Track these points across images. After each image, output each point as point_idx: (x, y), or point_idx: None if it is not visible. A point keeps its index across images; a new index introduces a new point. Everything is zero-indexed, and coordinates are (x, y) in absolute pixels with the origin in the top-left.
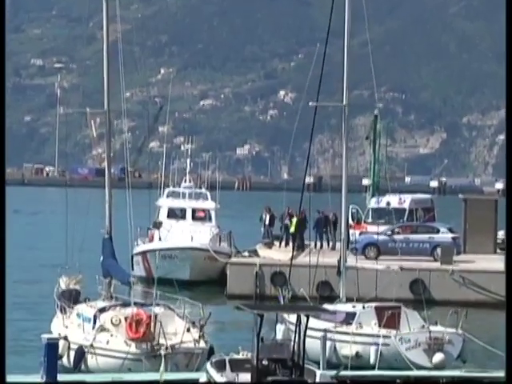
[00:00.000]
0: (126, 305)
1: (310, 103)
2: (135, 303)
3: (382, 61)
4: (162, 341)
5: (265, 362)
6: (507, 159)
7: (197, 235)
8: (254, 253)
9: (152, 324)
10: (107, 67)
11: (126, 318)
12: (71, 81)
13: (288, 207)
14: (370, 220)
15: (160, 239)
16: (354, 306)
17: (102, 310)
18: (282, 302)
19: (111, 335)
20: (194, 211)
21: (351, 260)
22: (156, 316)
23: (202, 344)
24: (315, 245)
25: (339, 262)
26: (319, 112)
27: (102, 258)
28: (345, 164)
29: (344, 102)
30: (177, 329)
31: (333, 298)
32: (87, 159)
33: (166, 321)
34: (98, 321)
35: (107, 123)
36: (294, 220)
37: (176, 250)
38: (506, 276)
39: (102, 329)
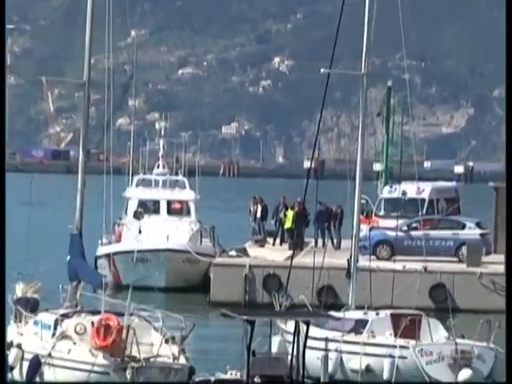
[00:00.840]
0: (94, 312)
1: (322, 70)
2: (106, 312)
3: (396, 21)
4: (134, 352)
5: (257, 380)
6: (507, 158)
7: (173, 233)
8: (243, 252)
9: (124, 332)
10: (90, 28)
11: (92, 323)
12: (23, 44)
13: (283, 197)
14: (381, 213)
15: (140, 232)
16: (365, 313)
17: (65, 316)
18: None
19: (74, 343)
20: (169, 203)
21: (362, 260)
22: (129, 326)
23: (183, 360)
24: (316, 243)
25: (349, 261)
26: (321, 84)
27: (68, 257)
28: (360, 145)
29: (363, 70)
30: (153, 342)
31: (338, 307)
32: (42, 139)
33: (140, 333)
34: (59, 327)
35: (85, 98)
36: (291, 213)
37: (148, 252)
38: (506, 276)
39: (64, 336)
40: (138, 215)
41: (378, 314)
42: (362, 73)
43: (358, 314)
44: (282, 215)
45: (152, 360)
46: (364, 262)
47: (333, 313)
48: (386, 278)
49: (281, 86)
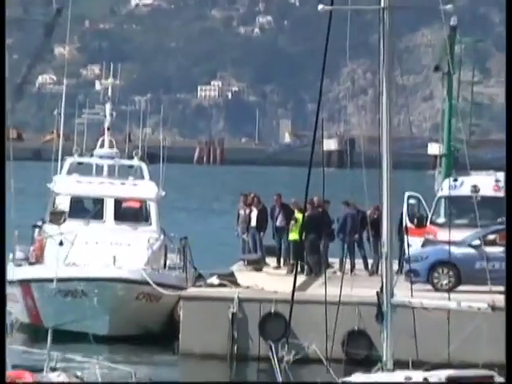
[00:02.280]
0: None
1: (320, 6)
2: (16, 366)
3: None
4: None
5: None
6: (507, 156)
7: (123, 252)
8: (230, 279)
9: None
10: None
11: None
12: None
13: (278, 195)
14: (440, 220)
15: (61, 243)
16: (408, 378)
17: None
18: (278, 371)
19: None
20: (118, 204)
21: (404, 292)
22: None
23: None
24: (341, 264)
25: (380, 295)
26: (346, 20)
27: None
28: (385, 112)
29: (382, 2)
30: None
31: (371, 362)
32: None
33: None
34: None
35: None
36: (300, 217)
37: (84, 281)
38: (506, 276)
39: None
40: (56, 217)
41: (427, 380)
42: (380, 6)
43: (398, 378)
44: (279, 222)
45: None
46: (403, 295)
47: (361, 376)
48: (441, 320)
49: (287, 24)
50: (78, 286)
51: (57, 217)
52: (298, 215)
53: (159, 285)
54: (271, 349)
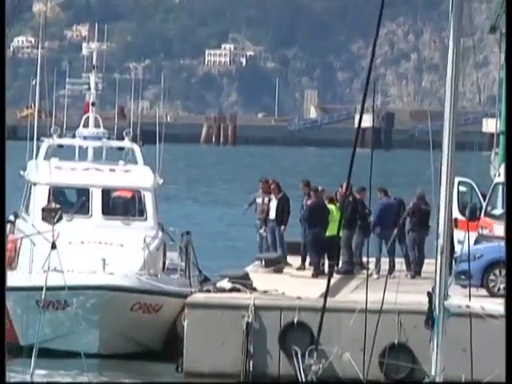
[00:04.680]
0: None
1: None
2: None
3: None
4: None
5: None
6: (507, 156)
7: (114, 254)
8: (243, 282)
9: None
10: None
11: None
12: None
13: (304, 181)
14: (498, 211)
15: (54, 247)
16: None
17: None
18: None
19: None
20: (106, 195)
21: (457, 297)
22: None
23: None
24: (377, 265)
25: (431, 297)
26: None
27: None
28: (451, 80)
29: None
30: None
31: (414, 381)
32: None
33: None
34: None
35: None
36: (333, 209)
37: (67, 290)
38: (506, 276)
39: None
40: (50, 215)
41: None
42: None
43: None
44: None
45: None
46: (460, 298)
47: None
48: (500, 329)
49: None
50: (59, 295)
51: (52, 214)
52: (330, 206)
53: (158, 293)
54: (296, 356)
